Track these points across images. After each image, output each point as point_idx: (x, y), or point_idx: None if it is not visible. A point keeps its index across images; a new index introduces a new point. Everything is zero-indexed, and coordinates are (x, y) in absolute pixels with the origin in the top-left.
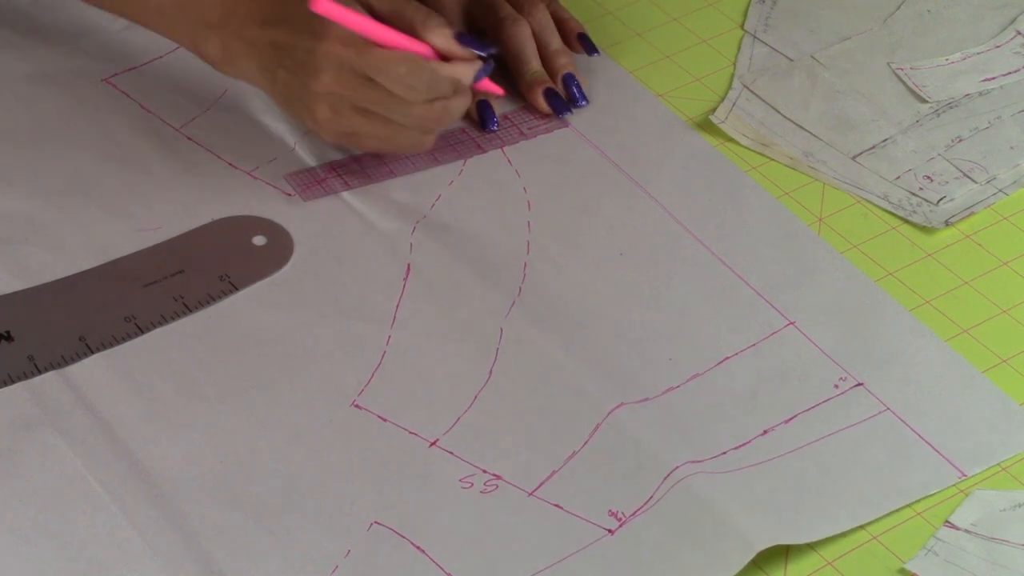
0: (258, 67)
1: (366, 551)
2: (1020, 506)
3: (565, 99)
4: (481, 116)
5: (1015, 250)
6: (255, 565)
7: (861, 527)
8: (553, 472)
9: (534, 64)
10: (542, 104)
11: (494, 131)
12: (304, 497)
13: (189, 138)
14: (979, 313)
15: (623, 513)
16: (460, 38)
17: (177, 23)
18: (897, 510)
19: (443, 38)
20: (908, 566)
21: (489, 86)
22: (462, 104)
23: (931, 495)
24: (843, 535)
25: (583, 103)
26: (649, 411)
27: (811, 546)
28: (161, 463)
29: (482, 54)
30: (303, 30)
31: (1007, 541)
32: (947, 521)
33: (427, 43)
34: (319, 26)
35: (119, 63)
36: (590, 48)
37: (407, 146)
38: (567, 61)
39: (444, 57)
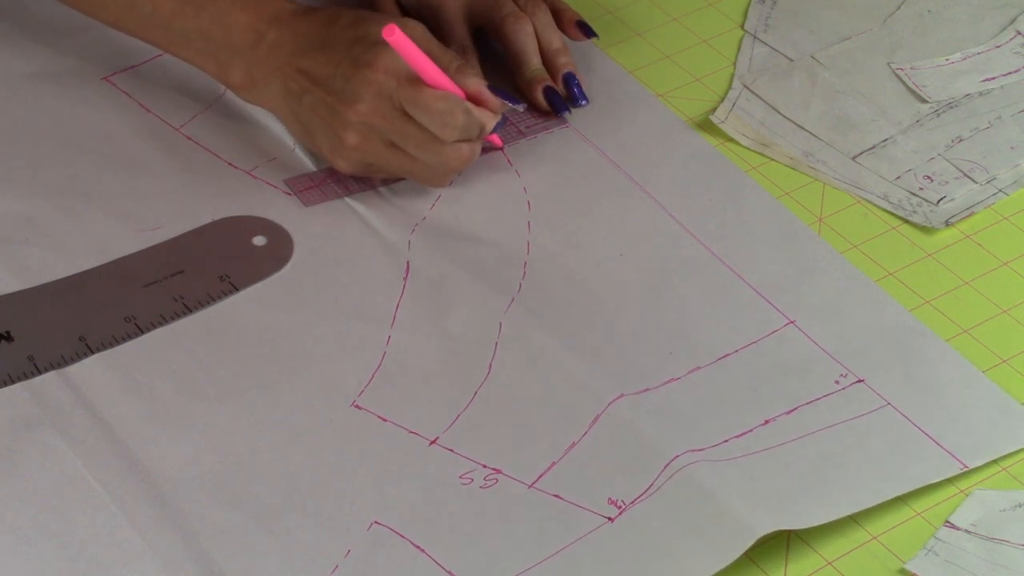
0: (282, 93)
1: (366, 551)
2: (1020, 506)
3: (565, 98)
4: None
5: (1015, 250)
6: (255, 565)
7: (861, 527)
8: (553, 463)
9: (535, 62)
10: (541, 102)
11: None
12: (304, 497)
13: (189, 137)
14: (979, 313)
15: (623, 501)
16: (492, 89)
17: (201, 48)
18: (897, 510)
19: (477, 86)
20: (908, 566)
21: (493, 138)
22: (479, 149)
23: (931, 494)
24: (843, 535)
25: (583, 102)
26: (650, 401)
27: (811, 546)
28: (161, 463)
29: (516, 106)
30: (342, 59)
31: (1007, 541)
32: (947, 521)
33: (462, 88)
34: (363, 55)
35: (119, 62)
36: (588, 32)
37: (426, 182)
38: (568, 60)
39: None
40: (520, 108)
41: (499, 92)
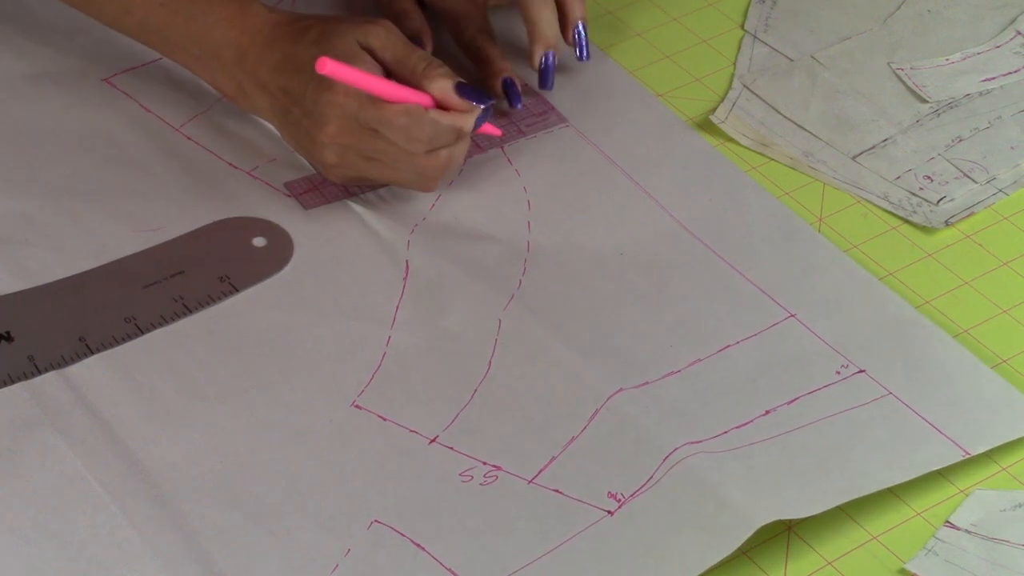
0: (270, 108)
1: (366, 550)
2: (1020, 506)
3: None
4: (507, 95)
5: (1015, 250)
6: (255, 565)
7: (861, 527)
8: (552, 459)
9: (549, 30)
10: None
11: (519, 107)
12: (304, 497)
13: (189, 137)
14: (979, 313)
15: (622, 495)
16: (460, 89)
17: (195, 58)
18: (897, 510)
19: (442, 90)
20: (908, 566)
21: (490, 129)
22: (464, 149)
23: (931, 494)
24: (843, 535)
25: (585, 57)
26: (649, 394)
27: (811, 546)
28: (161, 463)
29: (481, 104)
30: (309, 80)
31: (1007, 541)
32: (947, 521)
33: (428, 93)
34: (324, 78)
35: (120, 63)
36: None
37: (415, 188)
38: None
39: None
40: (490, 102)
41: (467, 91)
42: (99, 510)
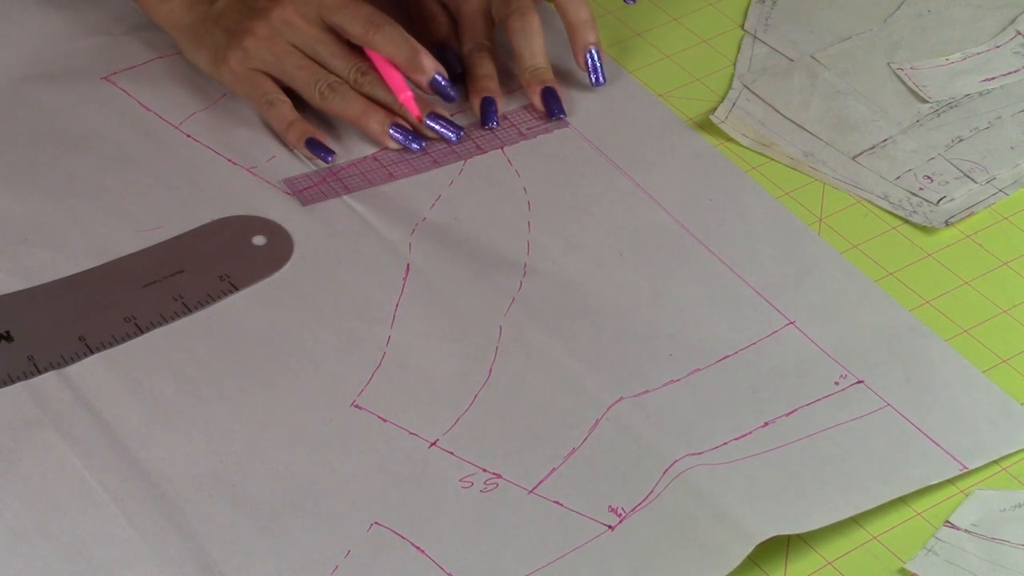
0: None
1: (366, 551)
2: (1020, 506)
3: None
4: (482, 113)
5: (1015, 250)
6: (255, 565)
7: (861, 527)
8: (553, 469)
9: (538, 60)
10: (538, 102)
11: (493, 127)
12: (304, 497)
13: (188, 135)
14: (979, 313)
15: (623, 509)
16: (433, 117)
17: None
18: (897, 510)
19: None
20: (908, 566)
21: (409, 103)
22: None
23: (931, 494)
24: (843, 535)
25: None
26: (649, 403)
27: (811, 546)
28: (161, 463)
29: (451, 137)
30: None
31: (1007, 541)
32: (947, 521)
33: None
34: None
35: (119, 62)
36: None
37: (308, 97)
38: (594, 39)
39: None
40: (459, 133)
41: (436, 119)
42: (99, 510)
